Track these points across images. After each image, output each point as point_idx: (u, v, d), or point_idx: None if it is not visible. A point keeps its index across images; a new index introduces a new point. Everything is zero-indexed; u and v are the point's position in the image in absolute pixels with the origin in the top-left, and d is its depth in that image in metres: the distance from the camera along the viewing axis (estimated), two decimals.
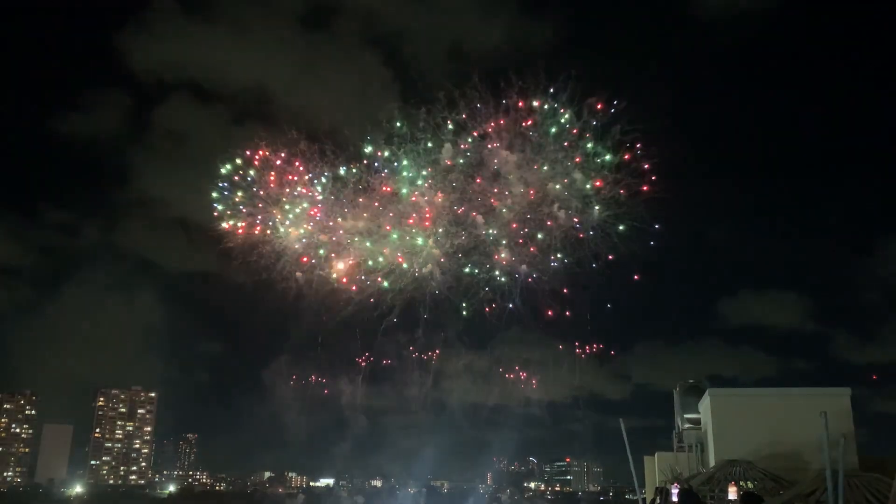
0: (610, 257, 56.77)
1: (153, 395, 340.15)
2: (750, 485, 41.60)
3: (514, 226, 57.60)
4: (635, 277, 59.79)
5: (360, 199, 58.42)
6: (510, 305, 59.41)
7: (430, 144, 56.51)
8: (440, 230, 58.19)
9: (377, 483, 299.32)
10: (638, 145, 54.24)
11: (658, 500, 41.60)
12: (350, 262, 59.02)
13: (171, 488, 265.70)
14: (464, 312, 59.50)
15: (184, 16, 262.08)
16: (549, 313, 60.03)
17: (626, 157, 54.20)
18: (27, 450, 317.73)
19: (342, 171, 57.77)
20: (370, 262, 58.67)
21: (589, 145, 54.62)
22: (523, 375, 76.57)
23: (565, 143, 55.43)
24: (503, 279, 58.94)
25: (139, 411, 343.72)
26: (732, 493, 39.42)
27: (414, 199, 57.52)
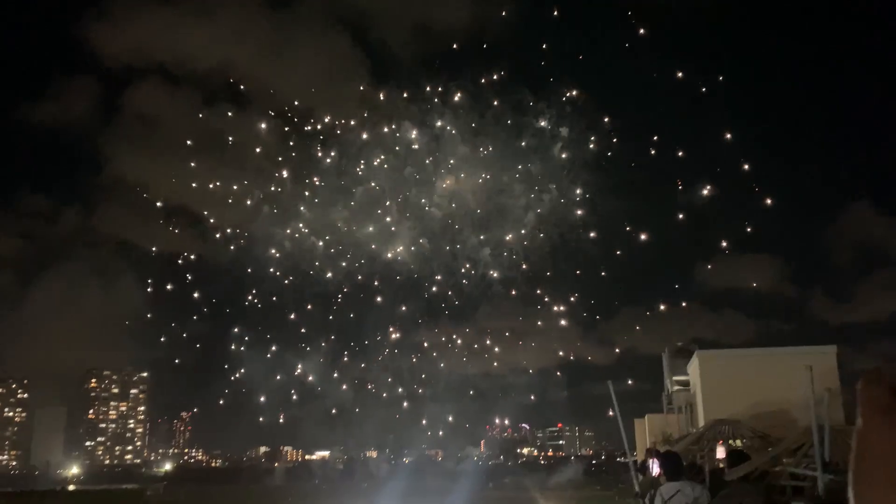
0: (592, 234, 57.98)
1: (145, 374, 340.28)
2: (738, 443, 42.21)
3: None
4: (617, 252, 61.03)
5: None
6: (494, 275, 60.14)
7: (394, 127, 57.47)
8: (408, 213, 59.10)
9: (372, 454, 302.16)
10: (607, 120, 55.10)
11: (649, 462, 42.32)
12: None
13: (168, 466, 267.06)
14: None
15: (145, 1, 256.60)
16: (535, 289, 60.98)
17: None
18: (21, 433, 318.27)
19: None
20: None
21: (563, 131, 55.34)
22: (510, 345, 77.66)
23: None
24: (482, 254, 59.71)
25: (132, 391, 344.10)
26: (720, 452, 40.01)
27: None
